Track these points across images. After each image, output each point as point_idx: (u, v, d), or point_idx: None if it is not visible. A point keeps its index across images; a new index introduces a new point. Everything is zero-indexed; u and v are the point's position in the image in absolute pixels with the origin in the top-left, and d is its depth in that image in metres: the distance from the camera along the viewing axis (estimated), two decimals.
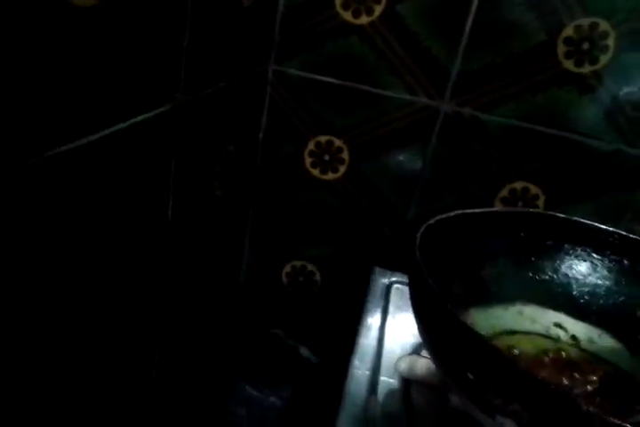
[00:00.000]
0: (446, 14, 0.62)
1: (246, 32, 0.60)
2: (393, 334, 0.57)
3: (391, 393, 0.49)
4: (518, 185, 0.67)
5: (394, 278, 0.66)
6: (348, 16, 0.65)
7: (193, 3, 0.45)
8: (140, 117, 0.41)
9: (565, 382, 0.44)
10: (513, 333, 0.51)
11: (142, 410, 0.60)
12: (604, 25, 0.59)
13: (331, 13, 0.65)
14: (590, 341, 0.50)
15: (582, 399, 0.29)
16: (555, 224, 0.54)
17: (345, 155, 0.71)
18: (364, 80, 0.67)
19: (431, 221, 0.48)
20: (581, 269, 0.53)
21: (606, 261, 0.52)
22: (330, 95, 0.69)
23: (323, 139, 0.71)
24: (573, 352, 0.49)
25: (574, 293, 0.52)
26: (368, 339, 0.56)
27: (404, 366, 0.49)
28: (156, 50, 0.42)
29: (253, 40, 0.63)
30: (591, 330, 0.51)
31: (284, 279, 0.80)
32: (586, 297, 0.52)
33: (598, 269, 0.53)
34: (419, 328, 0.41)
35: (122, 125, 0.39)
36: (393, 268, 0.68)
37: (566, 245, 0.54)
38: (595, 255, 0.53)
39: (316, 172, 0.73)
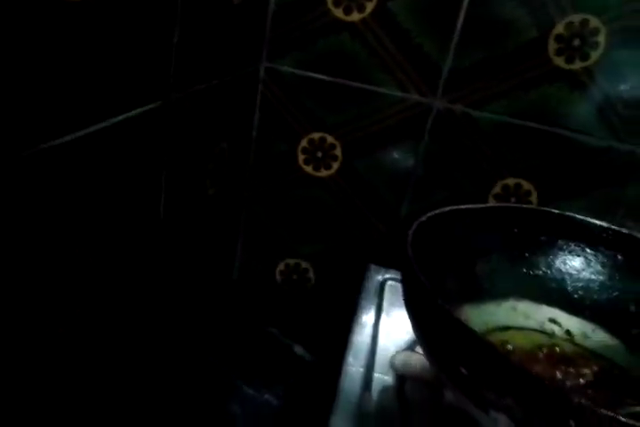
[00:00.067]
0: (438, 11, 0.62)
1: (237, 30, 0.60)
2: (387, 330, 0.57)
3: (385, 389, 0.48)
4: (511, 181, 0.67)
5: (388, 275, 0.66)
6: (339, 13, 0.65)
7: (183, 0, 0.45)
8: (130, 113, 0.41)
9: (559, 376, 0.44)
10: (507, 328, 0.51)
11: (137, 408, 0.59)
12: (594, 21, 0.59)
13: (322, 10, 0.65)
14: (584, 336, 0.50)
15: (574, 392, 0.29)
16: (548, 220, 0.54)
17: (338, 152, 0.71)
18: (356, 77, 0.67)
19: (423, 218, 0.48)
20: (575, 264, 0.53)
21: (600, 257, 0.53)
22: (322, 92, 0.69)
23: (315, 136, 0.71)
24: (567, 347, 0.49)
25: (568, 288, 0.53)
26: (362, 336, 0.56)
27: (398, 362, 0.49)
28: (145, 46, 0.41)
29: (245, 38, 0.63)
30: (585, 325, 0.51)
31: (278, 277, 0.80)
32: (580, 292, 0.52)
33: (592, 264, 0.53)
34: (411, 324, 0.41)
35: (113, 121, 0.39)
36: (387, 265, 0.68)
37: (560, 241, 0.54)
38: (588, 250, 0.53)
39: (309, 169, 0.73)
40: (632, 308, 0.49)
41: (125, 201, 0.44)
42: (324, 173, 0.73)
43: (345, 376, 0.50)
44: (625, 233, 0.52)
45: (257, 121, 0.72)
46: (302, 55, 0.68)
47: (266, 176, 0.75)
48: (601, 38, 0.60)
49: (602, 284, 0.52)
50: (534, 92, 0.63)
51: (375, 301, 0.62)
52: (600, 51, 0.60)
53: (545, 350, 0.47)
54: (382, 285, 0.65)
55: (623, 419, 0.28)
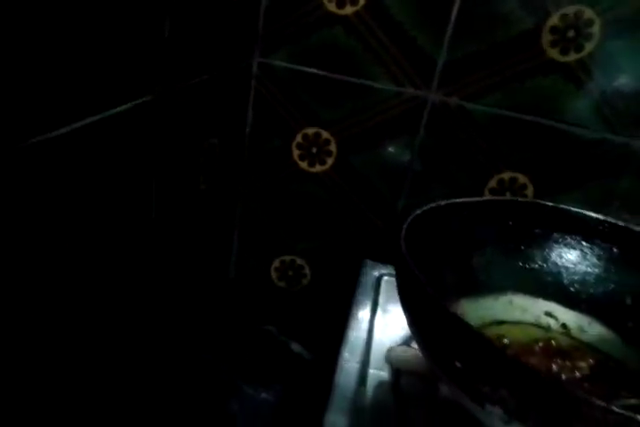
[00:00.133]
0: (431, 3, 0.62)
1: (229, 25, 0.59)
2: (383, 326, 0.56)
3: (381, 384, 0.48)
4: (506, 175, 0.66)
5: (384, 271, 0.66)
6: (332, 7, 0.64)
7: None
8: (121, 107, 0.41)
9: (555, 369, 0.44)
10: (503, 322, 0.51)
11: (135, 407, 0.59)
12: (588, 13, 0.59)
13: (315, 4, 0.64)
14: (580, 329, 0.50)
15: (570, 385, 0.29)
16: (543, 213, 0.54)
17: (332, 147, 0.71)
18: (350, 71, 0.67)
19: (418, 212, 0.48)
20: (571, 257, 0.53)
21: (596, 249, 0.52)
22: (316, 87, 0.68)
23: (310, 131, 0.71)
24: (563, 341, 0.49)
25: (564, 281, 0.52)
26: (358, 331, 0.55)
27: (393, 356, 0.49)
28: (135, 40, 0.41)
29: (237, 33, 0.62)
30: (581, 318, 0.51)
31: (274, 274, 0.80)
32: (576, 285, 0.52)
33: (588, 257, 0.52)
34: (406, 318, 0.41)
35: (104, 115, 0.39)
36: (383, 260, 0.68)
37: (555, 234, 0.54)
38: (584, 243, 0.53)
39: (303, 164, 0.72)
40: (628, 300, 0.49)
41: (115, 196, 0.44)
42: (318, 168, 0.72)
43: (340, 372, 0.49)
44: (621, 226, 0.51)
45: (251, 116, 0.72)
46: (296, 50, 0.67)
47: (260, 172, 0.75)
48: (595, 29, 0.59)
49: (598, 277, 0.51)
50: (529, 85, 0.62)
51: (371, 296, 0.61)
52: (594, 42, 0.60)
53: (541, 344, 0.47)
54: (378, 280, 0.64)
55: (617, 409, 0.28)
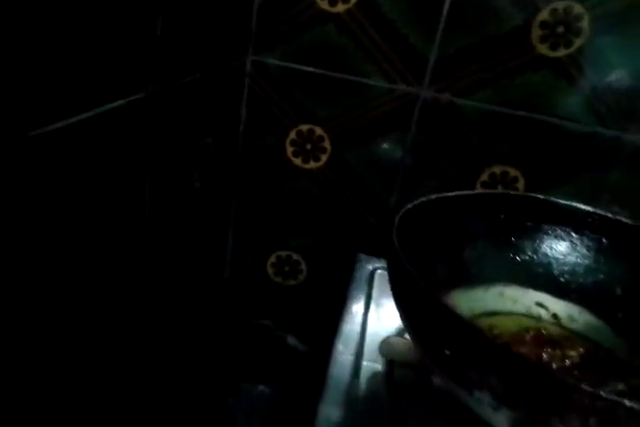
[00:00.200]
0: (423, 1, 0.62)
1: (223, 23, 0.60)
2: (377, 319, 0.57)
3: (375, 376, 0.49)
4: (497, 169, 0.67)
5: (377, 265, 0.67)
6: (324, 4, 0.65)
7: None
8: (112, 104, 0.41)
9: (545, 358, 0.44)
10: (494, 313, 0.52)
11: (131, 405, 0.59)
12: (578, 8, 0.59)
13: (307, 2, 0.65)
14: (571, 318, 0.51)
15: (557, 370, 0.30)
16: (534, 205, 0.55)
17: (326, 144, 0.71)
18: (342, 69, 0.67)
19: (409, 206, 0.49)
20: (561, 248, 0.54)
21: (585, 241, 0.53)
22: (309, 84, 0.69)
23: (304, 128, 0.71)
24: (554, 330, 0.50)
25: (554, 272, 0.53)
26: (352, 324, 0.56)
27: (386, 347, 0.50)
28: (126, 37, 0.41)
29: (230, 31, 0.63)
30: (572, 308, 0.51)
31: (270, 270, 0.80)
32: (566, 276, 0.53)
33: (578, 248, 0.53)
34: (396, 306, 0.41)
35: (96, 111, 0.39)
36: (377, 254, 0.69)
37: (546, 226, 0.54)
38: (574, 235, 0.54)
39: (297, 161, 0.73)
40: (617, 291, 0.50)
41: (109, 191, 0.44)
42: (312, 165, 0.73)
43: (334, 364, 0.50)
44: (610, 217, 0.52)
45: (244, 114, 0.72)
46: (289, 48, 0.68)
47: (255, 169, 0.75)
48: (584, 25, 0.60)
49: (587, 267, 0.52)
50: (519, 80, 0.63)
51: (365, 290, 0.62)
52: (584, 37, 0.60)
53: (531, 334, 0.48)
54: (372, 274, 0.65)
55: (605, 394, 0.29)
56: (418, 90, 0.66)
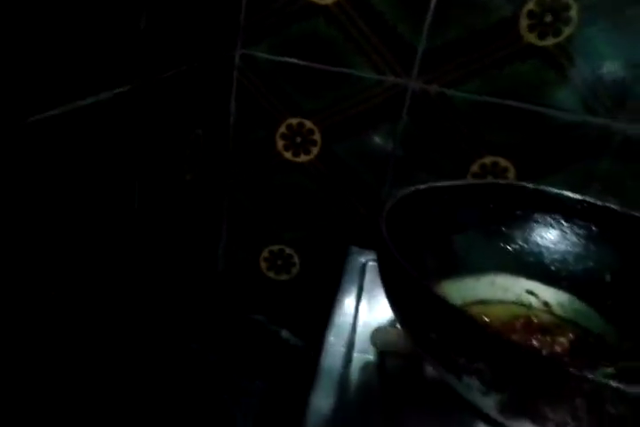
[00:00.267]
0: None
1: (210, 17, 0.59)
2: (368, 309, 0.57)
3: (366, 366, 0.49)
4: (488, 160, 0.67)
5: (370, 257, 0.67)
6: None
7: None
8: (99, 97, 0.41)
9: (535, 344, 0.44)
10: (485, 302, 0.52)
11: (124, 398, 0.59)
12: None
13: None
14: (561, 306, 0.51)
15: (543, 353, 0.29)
16: (523, 194, 0.55)
17: (317, 136, 0.71)
18: (331, 61, 0.67)
19: (399, 196, 0.49)
20: (551, 236, 0.54)
21: (575, 228, 0.53)
22: (298, 77, 0.69)
23: (294, 121, 0.71)
24: (545, 318, 0.50)
25: (545, 260, 0.53)
26: (343, 316, 0.56)
27: (378, 337, 0.50)
28: (109, 29, 0.41)
29: (219, 24, 0.63)
30: (562, 295, 0.51)
31: (263, 264, 0.80)
32: (556, 264, 0.53)
33: (567, 236, 0.53)
34: (384, 292, 0.41)
35: (80, 104, 0.39)
36: (370, 247, 0.69)
37: (535, 214, 0.54)
38: (564, 223, 0.54)
39: (288, 154, 0.73)
40: (607, 278, 0.50)
41: (97, 184, 0.44)
42: (303, 158, 0.73)
43: (326, 355, 0.50)
44: (599, 204, 0.52)
45: (234, 108, 0.72)
46: (277, 40, 0.68)
47: (246, 163, 0.75)
48: (573, 14, 0.60)
49: (578, 255, 0.52)
50: (508, 70, 0.63)
51: (357, 281, 0.62)
52: (572, 26, 0.60)
53: (522, 321, 0.48)
54: (364, 266, 0.65)
55: (591, 376, 0.29)
56: (407, 81, 0.66)
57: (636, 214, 0.51)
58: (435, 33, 0.64)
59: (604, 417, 0.28)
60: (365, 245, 0.70)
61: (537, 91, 0.63)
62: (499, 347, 0.31)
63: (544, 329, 0.47)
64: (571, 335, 0.46)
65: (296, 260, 0.79)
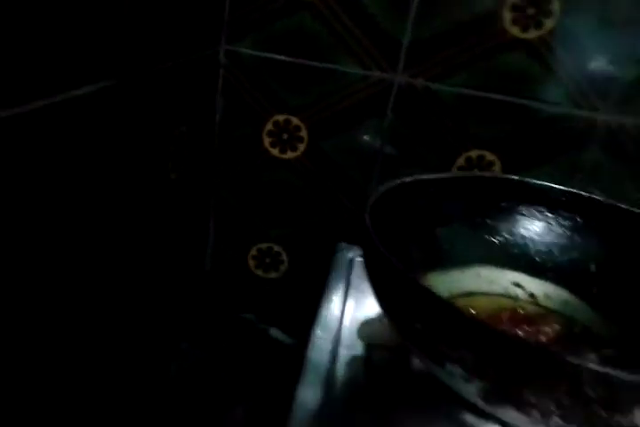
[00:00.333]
0: None
1: (194, 11, 0.59)
2: (355, 305, 0.57)
3: (353, 359, 0.49)
4: (474, 153, 0.67)
5: (358, 253, 0.67)
6: None
7: None
8: (77, 92, 0.41)
9: (521, 334, 0.44)
10: (471, 294, 0.51)
11: (116, 397, 0.59)
12: None
13: None
14: (547, 297, 0.51)
15: (522, 337, 0.29)
16: (508, 186, 0.55)
17: (303, 133, 0.71)
18: (317, 56, 0.67)
19: (383, 189, 0.49)
20: (536, 228, 0.54)
21: (560, 220, 0.53)
22: (284, 73, 0.69)
23: (280, 118, 0.71)
24: (531, 309, 0.50)
25: (530, 252, 0.53)
26: (330, 310, 0.56)
27: (364, 330, 0.50)
28: (87, 22, 0.41)
29: (203, 20, 0.62)
30: (548, 286, 0.51)
31: (251, 262, 0.80)
32: (542, 255, 0.53)
33: (552, 227, 0.53)
34: (370, 284, 0.41)
35: (59, 98, 0.39)
36: (357, 243, 0.68)
37: (520, 206, 0.54)
38: (548, 214, 0.54)
39: (275, 151, 0.73)
40: (592, 267, 0.50)
41: (77, 184, 0.44)
42: (290, 155, 0.73)
43: (313, 349, 0.50)
44: (583, 195, 0.52)
45: (220, 105, 0.72)
46: (262, 36, 0.68)
47: (233, 161, 0.75)
48: (555, 6, 0.60)
49: (563, 246, 0.52)
50: (493, 63, 0.63)
51: (344, 277, 0.62)
52: (554, 19, 0.61)
53: (508, 312, 0.48)
54: (351, 262, 0.65)
55: (570, 359, 0.29)
56: (392, 76, 0.66)
57: (620, 205, 0.51)
58: (419, 27, 0.64)
59: (584, 401, 0.28)
60: (353, 242, 0.69)
61: (522, 84, 0.64)
62: (478, 332, 0.31)
63: (530, 320, 0.47)
64: (556, 326, 0.46)
65: (284, 257, 0.79)
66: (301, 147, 0.72)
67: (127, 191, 0.52)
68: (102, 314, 0.52)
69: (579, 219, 0.52)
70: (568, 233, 0.52)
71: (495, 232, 0.54)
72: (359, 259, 0.65)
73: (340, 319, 0.55)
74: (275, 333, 0.78)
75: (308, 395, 0.45)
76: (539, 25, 0.61)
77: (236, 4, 0.67)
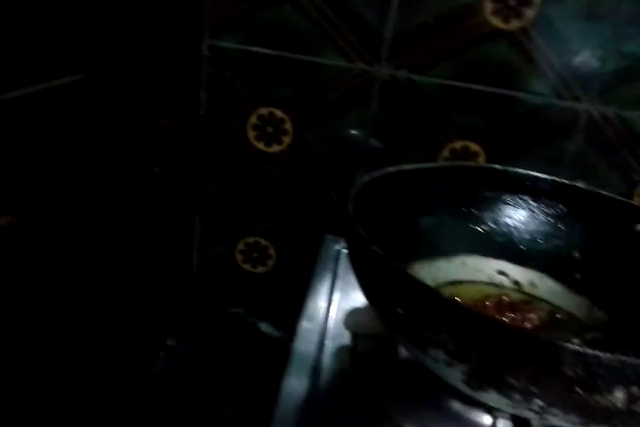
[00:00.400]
0: None
1: (175, 6, 0.59)
2: (342, 296, 0.57)
3: (340, 350, 0.49)
4: (458, 144, 0.67)
5: (344, 244, 0.67)
6: None
7: None
8: (48, 84, 0.40)
9: (506, 321, 0.45)
10: (457, 283, 0.52)
11: (105, 394, 0.59)
12: None
13: None
14: (532, 284, 0.51)
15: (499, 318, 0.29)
16: (492, 175, 0.55)
17: (288, 126, 0.71)
18: (300, 49, 0.67)
19: (367, 179, 0.49)
20: (520, 217, 0.54)
21: (543, 208, 0.54)
22: (267, 67, 0.68)
23: (264, 111, 0.71)
24: (516, 296, 0.50)
25: (515, 240, 0.54)
26: (317, 301, 0.56)
27: (351, 320, 0.50)
28: (58, 12, 0.40)
29: (184, 14, 0.62)
30: (532, 274, 0.52)
31: (239, 257, 0.80)
32: (526, 243, 0.53)
33: (536, 215, 0.54)
34: (353, 271, 0.41)
35: (28, 90, 0.38)
36: (343, 235, 0.68)
37: (504, 195, 0.55)
38: (532, 203, 0.54)
39: (260, 145, 0.73)
40: (576, 254, 0.51)
41: (55, 181, 0.43)
42: (275, 148, 0.73)
43: (299, 339, 0.50)
44: (566, 183, 0.53)
45: (204, 99, 0.71)
46: (244, 30, 0.67)
47: (217, 155, 0.75)
48: None
49: (546, 234, 0.53)
50: (475, 54, 0.63)
51: (331, 269, 0.62)
52: (535, 9, 0.61)
53: (493, 300, 0.48)
54: (338, 253, 0.65)
55: (547, 339, 0.29)
56: (376, 68, 0.66)
57: (603, 192, 0.52)
58: (401, 18, 0.64)
59: (563, 381, 0.28)
60: (340, 234, 0.69)
61: (504, 74, 0.64)
62: (456, 315, 0.31)
63: (515, 307, 0.47)
64: (541, 312, 0.47)
65: (272, 252, 0.79)
66: (286, 140, 0.72)
67: (108, 184, 0.51)
68: (87, 309, 0.52)
69: (562, 207, 0.53)
70: (552, 221, 0.53)
71: (480, 221, 0.54)
72: (346, 251, 0.65)
73: (327, 311, 0.55)
74: (264, 327, 0.78)
75: (295, 386, 0.45)
76: (519, 15, 0.61)
77: None
